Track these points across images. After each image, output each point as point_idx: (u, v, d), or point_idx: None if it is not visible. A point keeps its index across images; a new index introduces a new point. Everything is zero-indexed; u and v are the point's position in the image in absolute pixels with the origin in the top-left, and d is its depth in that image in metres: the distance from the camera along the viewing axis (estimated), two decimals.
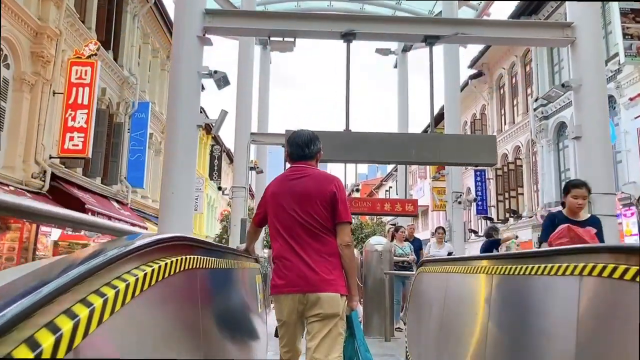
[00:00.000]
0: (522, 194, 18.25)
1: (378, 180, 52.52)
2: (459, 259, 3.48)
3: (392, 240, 7.63)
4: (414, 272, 6.07)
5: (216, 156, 28.40)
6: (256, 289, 3.12)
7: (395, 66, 18.66)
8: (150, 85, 18.44)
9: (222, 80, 6.21)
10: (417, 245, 8.39)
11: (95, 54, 12.16)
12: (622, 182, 12.08)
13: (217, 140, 28.87)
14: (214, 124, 6.45)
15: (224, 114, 6.13)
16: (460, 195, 11.55)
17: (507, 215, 18.71)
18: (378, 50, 18.44)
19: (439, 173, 18.61)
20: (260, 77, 17.18)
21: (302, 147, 2.62)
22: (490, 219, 20.39)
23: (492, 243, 6.76)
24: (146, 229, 14.27)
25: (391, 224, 9.22)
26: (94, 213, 10.87)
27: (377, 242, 6.57)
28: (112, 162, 14.44)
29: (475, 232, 22.21)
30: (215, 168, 27.93)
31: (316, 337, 2.36)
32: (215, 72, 6.19)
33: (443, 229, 8.40)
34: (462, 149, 5.74)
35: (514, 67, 19.52)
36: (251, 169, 11.53)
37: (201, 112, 6.67)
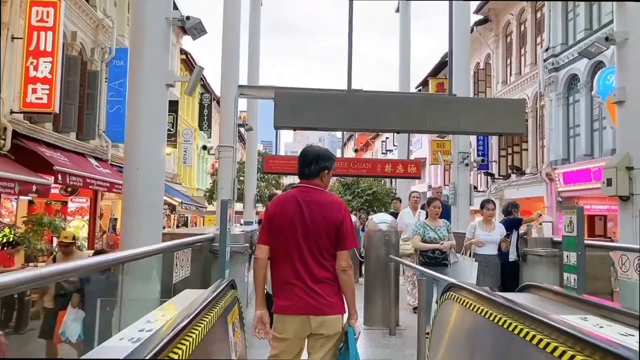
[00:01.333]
0: (527, 149, 17.39)
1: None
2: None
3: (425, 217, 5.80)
4: (453, 262, 5.27)
5: (205, 105, 27.05)
6: (229, 338, 2.24)
7: (397, 10, 17.12)
8: (131, 29, 16.88)
9: (196, 29, 5.10)
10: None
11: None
12: None
13: (206, 87, 27.43)
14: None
15: (198, 70, 5.06)
16: (467, 155, 10.65)
17: (509, 171, 17.95)
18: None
19: None
20: (250, 22, 15.69)
21: (304, 165, 2.68)
22: (492, 175, 19.67)
23: (512, 223, 5.84)
24: None
25: (414, 195, 7.97)
26: (64, 175, 9.90)
27: (381, 220, 5.71)
28: (88, 115, 13.27)
29: (475, 188, 21.56)
30: (205, 118, 26.65)
31: (318, 353, 2.57)
32: (188, 17, 5.06)
33: (493, 202, 6.51)
34: (485, 115, 4.80)
35: (523, 13, 18.04)
36: (239, 125, 10.47)
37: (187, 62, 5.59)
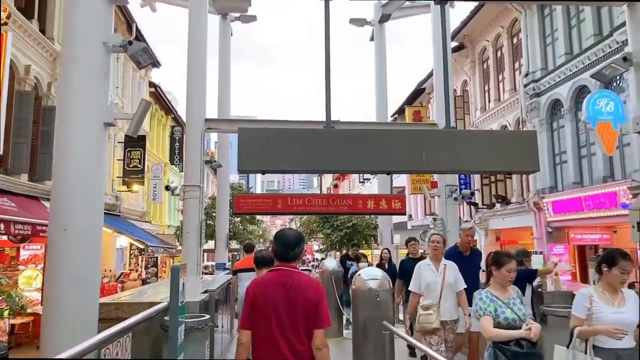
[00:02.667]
0: (510, 177, 16.87)
1: None
2: None
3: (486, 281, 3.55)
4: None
5: (177, 138, 26.03)
6: None
7: (372, 39, 16.72)
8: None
9: (142, 56, 4.23)
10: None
11: (6, 23, 9.80)
12: (632, 169, 10.71)
13: (177, 120, 26.53)
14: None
15: (144, 106, 4.17)
16: (456, 189, 9.95)
17: (494, 200, 17.37)
18: (352, 21, 16.52)
19: None
20: (220, 53, 15.01)
21: (287, 249, 2.83)
22: (475, 204, 19.07)
23: (525, 276, 4.87)
24: None
25: (435, 239, 5.39)
26: (7, 223, 8.74)
27: (371, 276, 4.80)
28: (43, 155, 12.13)
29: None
30: (177, 152, 25.58)
31: None
32: (130, 42, 4.19)
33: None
34: (492, 151, 4.03)
35: (499, 38, 17.88)
36: (207, 162, 9.55)
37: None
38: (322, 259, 21.67)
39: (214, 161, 9.52)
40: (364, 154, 4.10)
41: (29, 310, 10.52)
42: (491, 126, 18.01)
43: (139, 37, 19.03)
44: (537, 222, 14.67)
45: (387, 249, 9.46)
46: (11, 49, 10.85)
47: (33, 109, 11.55)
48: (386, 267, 8.51)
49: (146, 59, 4.29)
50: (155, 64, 22.04)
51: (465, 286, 4.55)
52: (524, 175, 16.12)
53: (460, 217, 10.13)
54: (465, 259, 5.04)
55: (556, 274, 5.03)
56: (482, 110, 19.23)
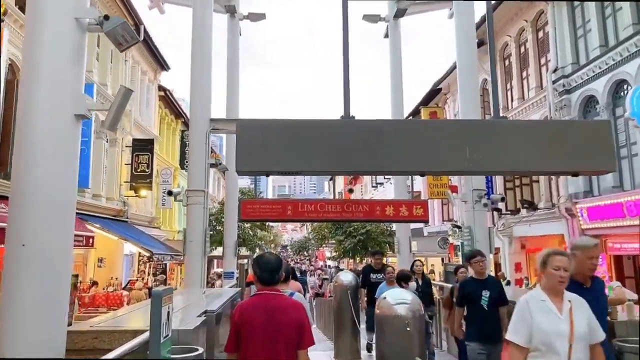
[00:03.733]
0: (537, 181, 15.87)
1: None
2: None
3: None
4: None
5: (187, 142, 25.52)
6: None
7: (386, 35, 15.90)
8: (101, 64, 15.42)
9: (120, 33, 3.49)
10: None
11: (2, 20, 9.26)
12: None
13: (187, 125, 26.01)
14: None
15: (123, 95, 3.42)
16: (484, 194, 9.06)
17: (519, 206, 16.36)
18: (366, 17, 15.74)
19: None
20: (229, 53, 14.35)
21: (272, 273, 2.90)
22: (498, 210, 18.05)
23: None
24: (90, 243, 11.51)
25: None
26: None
27: (399, 299, 3.97)
28: None
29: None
30: (187, 156, 25.08)
31: None
32: (107, 17, 3.45)
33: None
34: (555, 147, 3.19)
35: (522, 33, 16.92)
36: (212, 165, 8.83)
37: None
38: (337, 267, 20.76)
39: (220, 163, 8.78)
40: (392, 150, 3.30)
41: None
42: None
43: (147, 39, 18.51)
44: (569, 229, 13.64)
45: (419, 260, 8.18)
46: (13, 50, 10.32)
47: None
48: (419, 282, 7.28)
49: (128, 39, 3.55)
50: (164, 67, 21.54)
51: (604, 336, 2.96)
52: (553, 179, 15.12)
53: (490, 227, 9.23)
54: (586, 292, 3.16)
55: (629, 301, 4.09)
56: (505, 110, 18.24)
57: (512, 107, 17.74)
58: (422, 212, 9.08)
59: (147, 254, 14.22)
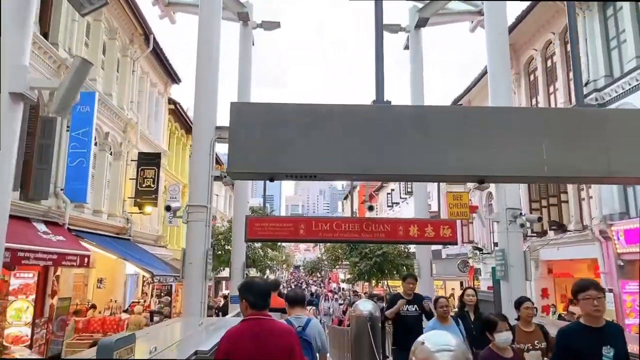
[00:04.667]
0: (566, 201, 14.76)
1: (378, 182, 47.80)
2: None
3: None
4: None
5: None
6: None
7: (406, 47, 15.17)
8: (106, 73, 14.86)
9: None
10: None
11: None
12: None
13: None
14: None
15: (78, 67, 2.56)
16: (520, 213, 8.05)
17: (547, 227, 15.21)
18: (386, 27, 14.97)
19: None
20: (240, 60, 13.70)
21: (263, 297, 2.82)
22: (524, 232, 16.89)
23: None
24: (85, 263, 10.66)
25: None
26: None
27: (441, 344, 2.97)
28: (40, 170, 10.83)
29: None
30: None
31: None
32: None
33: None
34: None
35: (549, 46, 16.03)
36: (216, 178, 7.98)
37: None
38: (355, 291, 19.50)
39: (225, 176, 7.92)
40: (441, 147, 2.40)
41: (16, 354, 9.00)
42: None
43: (157, 50, 18.02)
44: (604, 253, 12.48)
45: (472, 288, 6.42)
46: None
47: (29, 119, 10.30)
48: (470, 317, 5.69)
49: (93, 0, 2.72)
50: (175, 79, 21.03)
51: None
52: (583, 199, 14.00)
53: (525, 251, 8.19)
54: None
55: None
56: None
57: None
58: (449, 233, 8.08)
59: (147, 275, 13.33)
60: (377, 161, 2.43)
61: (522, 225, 7.82)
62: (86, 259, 10.76)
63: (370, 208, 7.76)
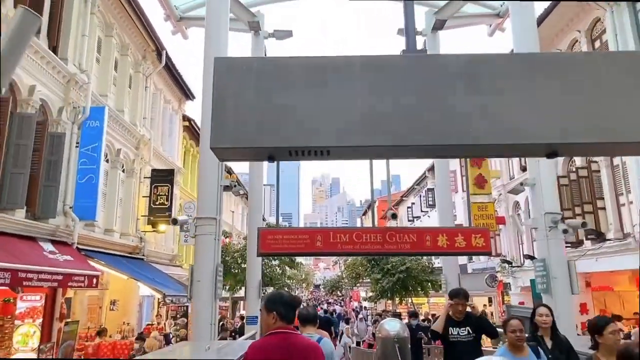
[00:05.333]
0: (603, 208, 13.77)
1: (397, 196, 46.83)
2: None
3: None
4: None
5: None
6: None
7: (424, 48, 14.52)
8: (118, 89, 14.61)
9: None
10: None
11: None
12: None
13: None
14: None
15: (21, 18, 2.00)
16: (561, 217, 7.25)
17: (583, 237, 14.19)
18: (400, 32, 14.46)
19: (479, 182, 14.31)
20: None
21: (290, 309, 2.78)
22: None
23: None
24: (94, 284, 10.14)
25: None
26: None
27: None
28: (48, 188, 10.46)
29: (533, 258, 17.66)
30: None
31: None
32: None
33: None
34: None
35: (575, 45, 15.27)
36: (226, 188, 7.40)
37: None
38: (378, 315, 18.44)
39: (235, 185, 7.33)
40: (499, 108, 1.76)
41: None
42: None
43: (170, 66, 17.81)
44: None
45: (546, 306, 4.65)
46: None
47: (35, 134, 9.97)
48: (545, 344, 4.27)
49: None
50: (189, 96, 20.80)
51: None
52: (622, 205, 13.01)
53: (572, 262, 7.34)
54: None
55: None
56: None
57: None
58: (483, 243, 7.31)
59: (159, 295, 12.76)
60: (411, 129, 1.80)
61: (565, 232, 7.01)
62: (95, 280, 10.25)
63: (394, 216, 6.99)
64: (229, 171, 19.88)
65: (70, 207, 11.11)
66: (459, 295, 5.13)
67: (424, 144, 1.82)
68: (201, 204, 7.33)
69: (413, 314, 11.32)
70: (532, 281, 8.13)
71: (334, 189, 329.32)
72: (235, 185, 7.36)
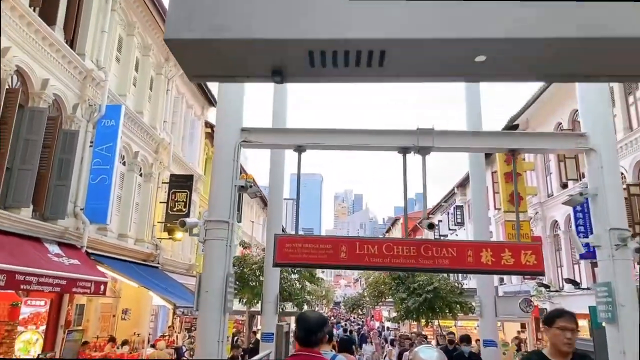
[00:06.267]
0: None
1: (420, 213, 44.86)
2: None
3: None
4: None
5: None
6: None
7: None
8: (138, 90, 14.16)
9: None
10: None
11: None
12: None
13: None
14: None
15: None
16: (631, 234, 6.18)
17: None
18: None
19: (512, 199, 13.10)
20: None
21: (310, 332, 2.65)
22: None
23: None
24: (101, 291, 9.45)
25: None
26: None
27: None
28: (59, 188, 9.91)
29: (577, 284, 16.25)
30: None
31: None
32: None
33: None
34: None
35: None
36: (241, 188, 6.61)
37: None
38: (419, 334, 16.96)
39: (251, 185, 6.53)
40: None
41: None
42: (621, 163, 13.69)
43: None
44: None
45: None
46: (22, 56, 8.97)
47: (47, 130, 9.47)
48: None
49: None
50: (212, 102, 20.33)
51: None
52: None
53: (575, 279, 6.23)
54: None
55: None
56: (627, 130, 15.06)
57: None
58: (534, 261, 6.28)
59: (170, 306, 12.02)
60: None
61: (637, 251, 5.94)
62: (103, 286, 9.56)
63: (431, 226, 5.96)
64: (245, 172, 19.20)
65: (81, 209, 10.53)
66: (564, 316, 3.04)
67: None
68: (213, 206, 6.55)
69: (465, 339, 9.11)
70: (592, 309, 7.01)
71: (357, 205, 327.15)
72: (251, 186, 6.56)
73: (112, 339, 11.80)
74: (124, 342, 11.45)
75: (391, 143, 6.75)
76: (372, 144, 6.75)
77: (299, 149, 6.77)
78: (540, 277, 19.19)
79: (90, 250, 10.71)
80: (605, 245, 6.29)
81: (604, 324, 6.36)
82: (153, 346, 10.72)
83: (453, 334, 10.22)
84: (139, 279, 11.74)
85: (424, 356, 4.51)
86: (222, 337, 6.15)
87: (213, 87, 19.73)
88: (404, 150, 6.76)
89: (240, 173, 6.88)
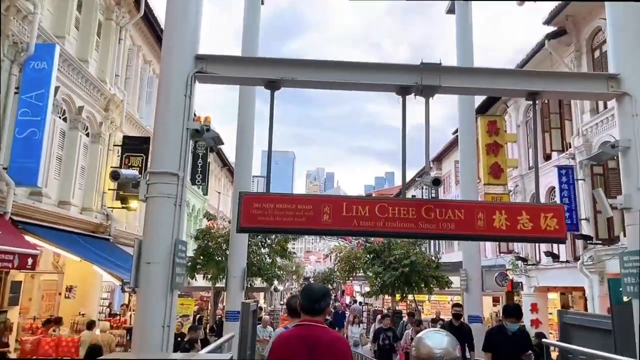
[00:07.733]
0: None
1: (392, 192, 44.05)
2: None
3: None
4: None
5: (200, 154, 22.12)
6: None
7: (451, 11, 12.12)
8: (81, 34, 12.17)
9: None
10: None
11: None
12: None
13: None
14: None
15: None
16: None
17: (620, 233, 12.12)
18: None
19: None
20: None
21: (313, 302, 2.82)
22: (588, 238, 13.83)
23: None
24: (28, 265, 7.82)
25: None
26: None
27: None
28: None
29: (556, 257, 15.62)
30: (199, 170, 21.57)
31: None
32: None
33: None
34: None
35: None
36: (195, 133, 5.13)
37: None
38: (411, 313, 14.98)
39: (208, 129, 5.08)
40: None
41: None
42: (609, 134, 12.96)
43: (150, 17, 15.32)
44: None
45: None
46: None
47: None
48: None
49: None
50: None
51: None
52: None
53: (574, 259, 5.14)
54: None
55: None
56: (593, 113, 14.35)
57: (601, 110, 13.85)
58: (556, 225, 5.14)
59: (118, 283, 10.49)
60: None
61: None
62: (30, 259, 7.95)
63: (436, 182, 4.84)
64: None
65: (4, 168, 8.76)
66: None
67: None
68: (157, 154, 5.07)
69: (512, 311, 6.36)
70: (612, 281, 5.98)
71: (329, 184, 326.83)
72: (208, 129, 5.09)
73: (55, 320, 10.24)
74: (57, 321, 9.89)
75: (389, 81, 5.42)
76: (365, 81, 5.39)
77: (272, 85, 5.34)
78: (517, 251, 18.62)
79: (17, 218, 9.02)
80: (637, 208, 5.21)
81: (626, 298, 5.34)
82: (89, 328, 9.13)
83: (460, 305, 8.66)
84: (83, 253, 10.15)
85: (431, 343, 3.27)
86: (168, 320, 4.77)
87: None
88: (404, 91, 5.44)
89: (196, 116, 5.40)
